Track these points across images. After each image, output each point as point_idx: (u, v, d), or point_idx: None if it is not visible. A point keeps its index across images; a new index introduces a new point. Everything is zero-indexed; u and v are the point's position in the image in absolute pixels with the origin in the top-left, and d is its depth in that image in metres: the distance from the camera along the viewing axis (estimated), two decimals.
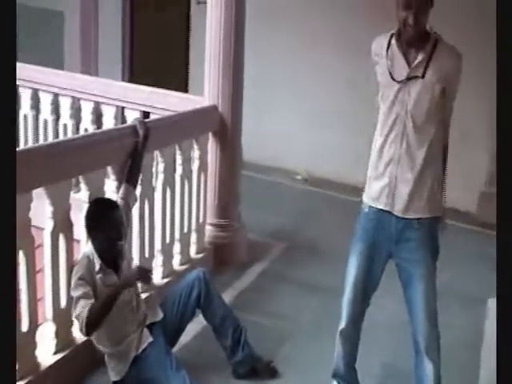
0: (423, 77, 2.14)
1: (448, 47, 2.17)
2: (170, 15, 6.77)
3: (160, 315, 2.63)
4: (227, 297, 3.32)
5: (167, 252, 3.34)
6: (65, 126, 4.47)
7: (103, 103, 4.16)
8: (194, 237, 3.63)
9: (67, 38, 6.90)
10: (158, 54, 6.78)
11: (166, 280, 3.31)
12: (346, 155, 5.47)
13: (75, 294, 2.36)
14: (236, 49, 3.53)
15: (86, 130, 4.28)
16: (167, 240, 3.32)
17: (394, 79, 2.17)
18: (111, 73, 6.43)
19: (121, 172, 2.80)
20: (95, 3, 6.79)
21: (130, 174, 2.79)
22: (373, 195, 2.29)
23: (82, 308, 2.31)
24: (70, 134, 4.39)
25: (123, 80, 6.67)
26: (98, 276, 2.41)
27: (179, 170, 3.35)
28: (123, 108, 4.08)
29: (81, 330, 2.34)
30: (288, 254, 4.12)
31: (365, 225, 2.33)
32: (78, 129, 4.41)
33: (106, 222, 2.41)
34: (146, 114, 3.90)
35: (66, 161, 2.50)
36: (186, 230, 3.50)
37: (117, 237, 2.45)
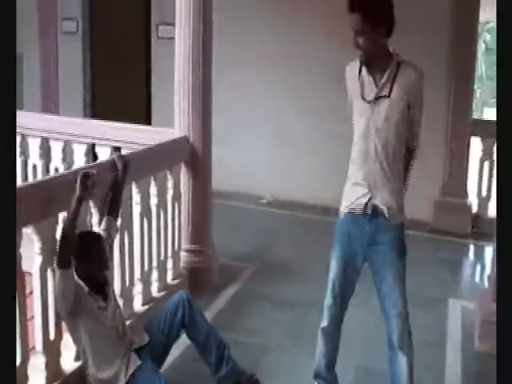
0: (389, 96, 2.40)
1: (410, 66, 2.42)
2: (130, 51, 6.96)
3: (146, 338, 2.78)
4: None
5: (146, 279, 3.50)
6: (34, 166, 4.59)
7: (73, 141, 4.30)
8: (169, 263, 3.79)
9: (26, 78, 6.99)
10: (118, 91, 6.95)
11: (145, 307, 3.46)
12: (309, 177, 5.76)
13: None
14: (204, 82, 3.78)
15: (56, 169, 4.41)
16: (145, 268, 3.49)
17: (364, 99, 2.44)
18: (72, 111, 6.58)
19: (102, 205, 2.97)
20: (55, 43, 6.93)
21: (111, 206, 2.96)
22: (349, 203, 2.53)
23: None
24: (39, 175, 4.52)
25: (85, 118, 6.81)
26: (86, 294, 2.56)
27: (154, 199, 3.53)
28: (94, 145, 4.24)
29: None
30: (259, 274, 4.34)
31: (341, 231, 2.57)
32: (47, 169, 4.53)
33: (93, 254, 2.57)
34: (116, 149, 4.08)
35: (53, 197, 2.64)
36: (162, 257, 3.67)
37: (102, 267, 2.62)
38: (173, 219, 3.77)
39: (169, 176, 3.70)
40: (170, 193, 3.72)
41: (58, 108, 6.91)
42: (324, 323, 2.63)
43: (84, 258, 2.56)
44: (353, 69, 2.51)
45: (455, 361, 3.22)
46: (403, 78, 2.39)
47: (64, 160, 4.40)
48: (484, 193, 5.57)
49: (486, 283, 3.99)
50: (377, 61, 2.41)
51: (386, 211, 2.46)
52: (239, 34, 5.97)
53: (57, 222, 2.72)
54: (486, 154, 5.49)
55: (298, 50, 5.87)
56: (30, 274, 2.61)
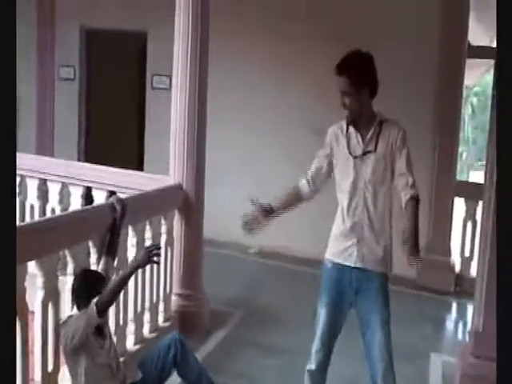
0: (375, 150, 2.58)
1: (392, 123, 2.62)
2: (125, 99, 7.18)
3: (139, 375, 2.83)
4: None
5: (138, 320, 3.56)
6: (31, 206, 4.68)
7: (70, 184, 4.42)
8: (161, 306, 3.86)
9: (22, 123, 7.11)
10: (112, 138, 7.11)
11: (137, 347, 3.51)
12: (296, 229, 5.89)
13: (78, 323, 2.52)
14: (199, 132, 3.96)
15: (53, 210, 4.51)
16: (138, 309, 3.55)
17: (351, 155, 2.60)
18: (67, 158, 6.70)
19: (101, 245, 3.07)
20: (52, 88, 7.10)
21: (110, 247, 3.06)
22: (337, 253, 2.66)
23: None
24: (36, 216, 4.61)
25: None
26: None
27: (149, 243, 3.63)
28: (90, 188, 4.35)
29: (89, 316, 2.50)
30: (247, 320, 4.43)
31: (329, 276, 2.69)
32: (44, 210, 4.62)
33: (96, 292, 2.65)
34: (111, 194, 4.20)
35: (55, 236, 2.75)
36: (154, 299, 3.74)
37: None
38: (165, 264, 3.86)
39: (163, 221, 3.82)
40: (164, 238, 3.83)
41: (52, 154, 7.00)
42: (311, 366, 2.71)
43: (88, 296, 2.62)
44: (335, 131, 2.70)
45: None
46: (387, 133, 2.59)
47: (61, 202, 4.51)
48: (467, 253, 5.72)
49: (467, 339, 4.09)
50: (362, 120, 2.61)
51: (373, 262, 2.59)
52: (227, 87, 6.19)
53: (58, 259, 2.82)
54: (469, 215, 5.68)
55: (286, 107, 6.13)
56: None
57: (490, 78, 15.49)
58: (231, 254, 5.87)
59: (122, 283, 2.63)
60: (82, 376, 2.60)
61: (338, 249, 2.67)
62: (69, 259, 2.90)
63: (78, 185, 4.37)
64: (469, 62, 5.69)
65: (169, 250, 3.90)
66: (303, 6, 5.94)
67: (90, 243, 3.06)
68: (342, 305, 2.67)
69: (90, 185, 4.34)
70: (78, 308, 2.66)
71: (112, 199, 3.23)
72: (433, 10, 5.49)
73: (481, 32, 7.11)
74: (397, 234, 2.62)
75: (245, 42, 6.22)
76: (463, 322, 5.09)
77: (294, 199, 2.85)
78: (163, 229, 3.81)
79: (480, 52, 5.98)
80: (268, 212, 2.77)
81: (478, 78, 12.32)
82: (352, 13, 5.74)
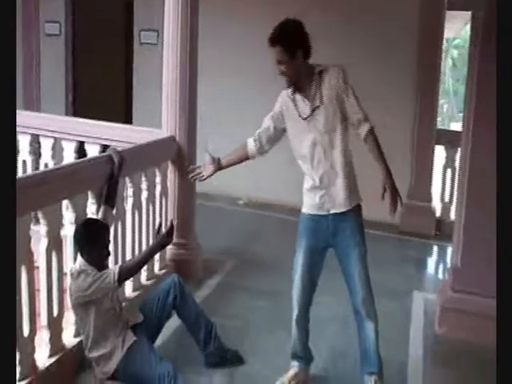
0: (322, 102, 2.71)
1: (330, 69, 2.72)
2: (112, 55, 7.17)
3: (140, 317, 3.04)
4: None
5: None
6: (24, 162, 4.78)
7: (63, 139, 4.51)
8: (157, 255, 4.03)
9: None
10: (100, 93, 7.14)
11: (135, 293, 3.71)
12: (282, 180, 6.08)
13: (94, 283, 2.71)
14: (191, 86, 4.07)
15: (46, 164, 4.61)
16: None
17: (301, 117, 2.75)
18: (54, 113, 6.74)
19: (99, 196, 3.22)
20: (37, 44, 7.07)
21: (108, 197, 3.21)
22: (311, 206, 2.84)
23: (107, 278, 2.70)
24: (29, 171, 4.71)
25: None
26: None
27: (145, 194, 3.79)
28: (82, 143, 4.45)
29: (109, 281, 2.70)
30: (238, 268, 4.65)
31: (306, 225, 2.87)
32: (37, 166, 4.72)
33: (101, 239, 2.83)
34: (105, 148, 4.30)
35: (56, 186, 2.89)
36: None
37: (106, 252, 2.88)
38: (160, 213, 4.03)
39: (157, 172, 3.96)
40: (158, 188, 3.98)
41: (39, 110, 7.03)
42: (295, 312, 2.94)
43: (92, 243, 2.81)
44: (284, 97, 2.84)
45: (417, 341, 3.60)
46: (327, 80, 2.71)
47: (53, 157, 4.61)
48: (447, 198, 5.98)
49: (447, 276, 4.36)
50: (302, 81, 2.74)
51: (342, 206, 2.77)
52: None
53: (60, 209, 2.97)
54: (449, 162, 5.93)
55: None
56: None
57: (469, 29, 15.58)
58: (222, 207, 6.11)
59: (148, 258, 2.86)
60: (90, 324, 2.80)
61: (311, 203, 2.84)
62: (68, 209, 3.05)
63: (71, 139, 4.45)
64: (449, 13, 5.79)
65: (163, 200, 4.05)
66: None
67: (89, 194, 3.20)
68: (319, 247, 2.85)
69: (82, 139, 4.43)
70: (82, 256, 2.83)
71: (110, 151, 3.36)
72: None
73: None
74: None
75: None
76: (443, 262, 5.39)
77: (241, 156, 3.01)
78: (158, 179, 3.96)
79: (459, 4, 6.07)
80: (215, 165, 2.97)
81: (458, 30, 12.34)
82: None
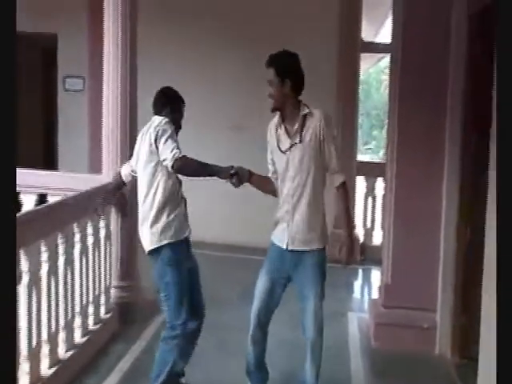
0: (301, 142, 2.88)
1: (316, 114, 2.89)
2: (34, 103, 7.13)
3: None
4: (138, 347, 3.96)
5: (83, 313, 3.78)
6: None
7: None
8: (102, 299, 4.09)
9: None
10: (20, 140, 7.02)
11: (84, 339, 3.74)
12: (208, 218, 6.08)
13: (168, 134, 2.99)
14: (131, 129, 4.19)
15: None
16: (84, 302, 3.77)
17: (280, 149, 2.94)
18: None
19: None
20: None
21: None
22: (276, 236, 3.01)
23: (177, 149, 2.94)
24: None
25: None
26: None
27: (91, 239, 3.86)
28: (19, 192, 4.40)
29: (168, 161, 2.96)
30: None
31: (271, 255, 3.05)
32: None
33: (180, 101, 3.29)
34: (42, 197, 4.30)
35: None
36: (97, 292, 3.96)
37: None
38: (105, 257, 4.09)
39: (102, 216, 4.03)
40: (103, 232, 4.05)
41: None
42: (251, 331, 3.07)
43: (177, 102, 3.29)
44: (270, 128, 3.06)
45: (357, 356, 3.95)
46: (311, 124, 2.88)
47: None
48: (369, 224, 6.42)
49: (376, 295, 4.74)
50: (287, 111, 2.92)
51: (305, 243, 2.91)
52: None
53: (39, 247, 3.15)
54: (370, 191, 6.41)
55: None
56: None
57: (372, 69, 16.88)
58: None
59: (202, 171, 3.04)
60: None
61: (276, 232, 3.00)
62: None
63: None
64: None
65: (108, 244, 4.13)
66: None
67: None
68: (280, 277, 3.00)
69: (18, 189, 4.38)
70: (172, 113, 3.20)
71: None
72: (334, 7, 6.11)
73: (368, 29, 7.89)
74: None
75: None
76: (370, 284, 5.83)
77: (267, 189, 3.11)
78: (102, 223, 4.03)
79: (369, 47, 6.76)
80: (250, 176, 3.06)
81: (363, 69, 13.48)
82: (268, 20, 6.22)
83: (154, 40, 5.91)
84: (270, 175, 3.11)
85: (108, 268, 4.17)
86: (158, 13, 6.21)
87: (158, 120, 3.12)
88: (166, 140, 2.98)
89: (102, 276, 4.07)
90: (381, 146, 18.41)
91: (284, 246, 2.95)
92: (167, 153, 2.95)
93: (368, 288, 5.82)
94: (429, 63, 3.87)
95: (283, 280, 3.03)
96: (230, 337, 4.01)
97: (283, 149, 2.95)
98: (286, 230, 2.94)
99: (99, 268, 4.00)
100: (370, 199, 6.41)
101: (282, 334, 3.90)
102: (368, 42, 7.03)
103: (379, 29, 8.68)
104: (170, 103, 3.24)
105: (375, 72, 20.71)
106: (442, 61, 3.83)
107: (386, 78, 17.07)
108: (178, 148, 2.97)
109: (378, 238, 6.00)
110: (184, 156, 2.96)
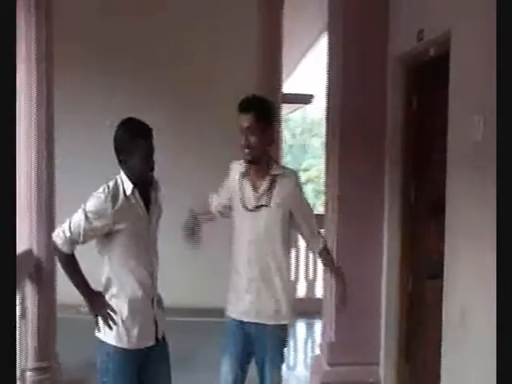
0: (269, 205, 2.52)
1: (286, 175, 2.57)
2: None
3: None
4: None
5: None
6: None
7: None
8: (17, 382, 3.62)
9: None
10: None
11: None
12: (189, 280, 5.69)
13: (87, 208, 2.29)
14: (49, 188, 3.82)
15: None
16: None
17: (244, 207, 2.55)
18: None
19: None
20: None
21: None
22: (234, 309, 2.67)
23: (75, 229, 2.31)
24: None
25: None
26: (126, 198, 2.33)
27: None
28: None
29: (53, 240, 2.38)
30: None
31: (230, 333, 2.68)
32: None
33: (141, 143, 2.30)
34: None
35: None
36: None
37: (150, 161, 2.36)
38: (20, 339, 3.63)
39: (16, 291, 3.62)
40: (18, 310, 3.62)
41: None
42: None
43: (132, 146, 2.36)
44: (234, 170, 2.65)
45: None
46: (281, 187, 2.55)
47: None
48: (310, 275, 6.29)
49: (318, 351, 4.49)
50: (260, 164, 2.55)
51: (268, 316, 2.59)
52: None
53: None
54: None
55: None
56: None
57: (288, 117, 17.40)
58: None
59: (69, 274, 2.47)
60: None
61: (235, 305, 2.66)
62: None
63: None
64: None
65: (23, 323, 3.69)
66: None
67: None
68: (243, 356, 2.66)
69: None
70: (124, 165, 2.38)
71: None
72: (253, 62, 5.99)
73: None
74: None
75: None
76: (312, 339, 5.60)
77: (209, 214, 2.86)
78: (16, 300, 3.61)
79: (287, 98, 7.15)
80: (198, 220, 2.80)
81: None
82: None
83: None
84: (210, 202, 2.82)
85: (24, 349, 3.72)
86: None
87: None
88: (76, 212, 2.37)
89: (18, 360, 3.60)
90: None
91: (246, 320, 2.63)
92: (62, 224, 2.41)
93: (310, 342, 5.59)
94: (367, 107, 3.88)
95: (246, 356, 2.68)
96: None
97: (249, 207, 2.57)
98: (249, 303, 2.60)
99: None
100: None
101: None
102: (287, 94, 7.16)
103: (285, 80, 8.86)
104: (119, 155, 2.37)
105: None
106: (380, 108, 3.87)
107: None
108: (65, 228, 2.36)
109: (319, 291, 5.77)
110: (58, 248, 2.40)
